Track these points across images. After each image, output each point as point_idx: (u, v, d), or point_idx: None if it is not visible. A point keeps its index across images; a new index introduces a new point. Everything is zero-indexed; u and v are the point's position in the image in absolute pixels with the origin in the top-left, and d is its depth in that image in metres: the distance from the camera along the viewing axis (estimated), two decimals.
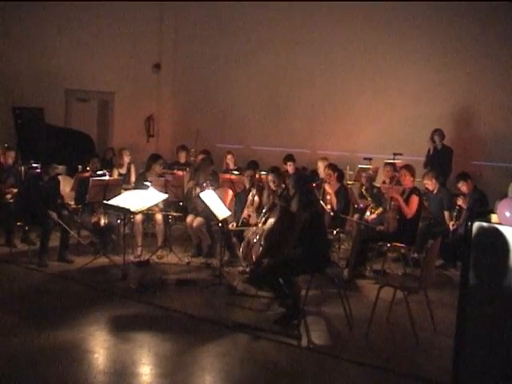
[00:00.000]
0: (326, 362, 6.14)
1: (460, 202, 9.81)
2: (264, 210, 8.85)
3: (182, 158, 12.94)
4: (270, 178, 8.24)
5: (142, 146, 15.91)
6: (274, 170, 9.03)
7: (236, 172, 11.59)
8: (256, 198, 9.53)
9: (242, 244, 8.82)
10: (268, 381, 5.68)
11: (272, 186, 8.82)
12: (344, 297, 7.21)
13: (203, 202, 8.84)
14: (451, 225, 9.86)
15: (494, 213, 4.08)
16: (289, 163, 11.77)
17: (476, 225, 4.08)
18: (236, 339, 6.60)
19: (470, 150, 12.88)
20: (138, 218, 9.96)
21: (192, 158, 13.11)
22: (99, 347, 6.27)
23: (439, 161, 11.94)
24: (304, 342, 6.59)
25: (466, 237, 4.14)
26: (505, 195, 4.28)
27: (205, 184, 9.75)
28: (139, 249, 10.01)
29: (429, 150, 12.13)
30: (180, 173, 11.14)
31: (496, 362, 3.96)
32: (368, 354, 6.33)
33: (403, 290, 6.82)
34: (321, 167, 11.46)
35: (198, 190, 9.86)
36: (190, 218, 10.00)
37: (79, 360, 5.90)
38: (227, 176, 10.87)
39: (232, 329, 6.86)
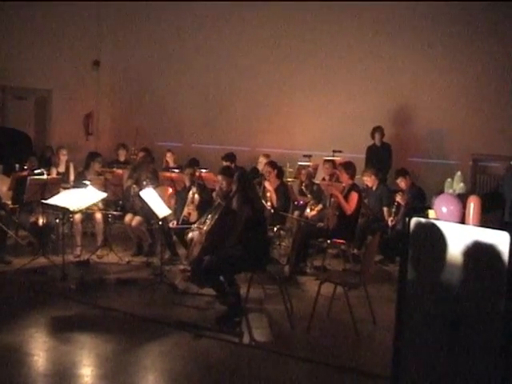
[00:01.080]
0: (268, 358, 6.15)
1: (398, 198, 9.95)
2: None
3: (122, 156, 12.84)
4: (220, 178, 8.08)
5: (81, 144, 15.64)
6: (224, 170, 8.65)
7: (176, 170, 11.54)
8: (196, 196, 9.52)
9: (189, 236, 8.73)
10: (211, 379, 5.68)
11: (223, 186, 8.48)
12: (285, 293, 7.25)
13: (143, 200, 8.79)
14: (390, 221, 9.99)
15: (431, 208, 4.15)
16: (226, 162, 11.74)
17: (414, 220, 4.14)
18: (178, 338, 6.58)
19: (408, 147, 13.08)
20: (77, 217, 9.86)
21: (132, 156, 13.00)
22: (39, 349, 6.16)
23: (379, 158, 12.11)
24: (246, 340, 6.61)
25: (404, 232, 4.21)
26: (441, 191, 4.34)
27: (145, 182, 9.69)
28: (79, 248, 9.90)
29: (368, 147, 12.32)
30: (119, 171, 11.03)
31: (434, 355, 4.03)
32: (309, 350, 6.38)
33: (343, 286, 6.89)
34: (262, 164, 11.50)
35: (136, 188, 9.79)
36: (128, 217, 9.93)
37: (19, 363, 5.79)
38: (167, 174, 10.82)
39: (174, 328, 6.83)
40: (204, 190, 9.75)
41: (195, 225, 8.59)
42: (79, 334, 6.63)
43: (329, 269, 9.42)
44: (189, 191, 9.68)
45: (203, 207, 9.18)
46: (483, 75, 12.38)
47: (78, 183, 9.74)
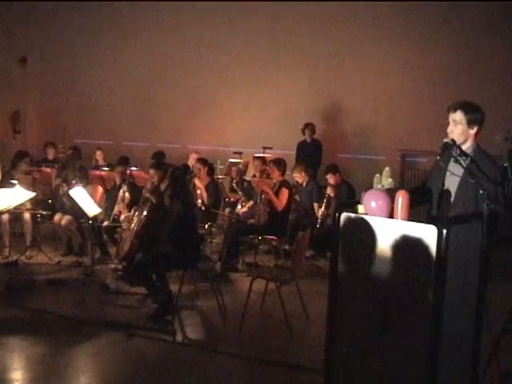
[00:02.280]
0: (201, 355, 6.16)
1: (329, 190, 10.07)
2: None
3: (50, 154, 12.61)
4: (151, 173, 7.98)
5: (8, 142, 15.30)
6: (156, 165, 8.56)
7: (106, 168, 11.42)
8: (127, 195, 9.44)
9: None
10: (144, 378, 5.64)
11: (154, 181, 8.36)
12: (217, 290, 7.27)
13: (72, 199, 8.66)
14: (320, 215, 10.09)
15: (360, 204, 4.20)
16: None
17: (343, 216, 4.19)
18: (110, 338, 6.52)
19: (338, 143, 13.25)
20: (5, 217, 9.65)
21: (60, 155, 12.78)
22: None
23: (309, 154, 12.23)
24: (179, 338, 6.60)
25: (334, 228, 4.25)
26: (370, 186, 4.41)
27: (74, 181, 9.55)
28: (7, 249, 9.71)
29: (299, 144, 12.43)
30: (48, 170, 10.85)
31: (366, 348, 4.09)
32: (243, 346, 6.41)
33: (275, 282, 6.93)
34: (193, 161, 11.51)
35: (65, 187, 9.65)
36: (57, 217, 9.77)
37: None
38: (97, 172, 10.69)
39: (106, 328, 6.76)
40: (134, 188, 9.67)
41: (125, 223, 8.52)
42: (8, 337, 6.49)
43: (260, 265, 9.45)
44: (119, 189, 9.60)
45: (134, 205, 9.11)
46: (410, 73, 12.64)
47: (6, 183, 9.53)
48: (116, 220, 9.35)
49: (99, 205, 9.15)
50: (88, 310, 7.36)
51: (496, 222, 4.40)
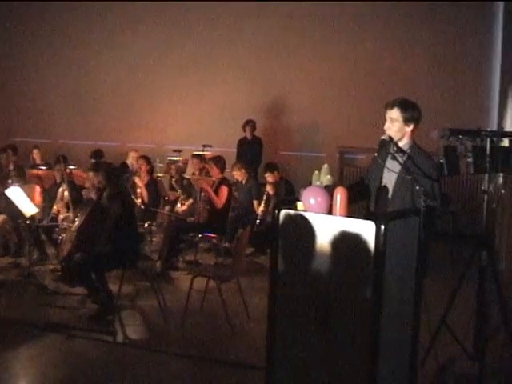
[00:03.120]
0: (143, 356, 6.12)
1: (268, 187, 10.12)
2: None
3: None
4: (91, 175, 7.86)
5: None
6: (95, 166, 8.42)
7: (43, 167, 11.24)
8: (66, 194, 9.32)
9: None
10: (85, 380, 5.58)
11: (94, 182, 8.26)
12: (157, 289, 7.24)
13: (8, 199, 8.52)
14: (260, 212, 10.13)
15: (299, 201, 4.23)
16: (94, 160, 11.53)
17: (283, 213, 4.20)
18: (49, 340, 6.42)
19: (279, 140, 13.31)
20: None
21: None
22: None
23: (250, 151, 12.26)
24: (120, 338, 6.55)
25: (273, 225, 4.27)
26: (309, 183, 4.44)
27: (10, 180, 9.39)
28: None
29: (239, 140, 12.45)
30: None
31: (307, 344, 4.12)
32: (184, 345, 6.39)
33: (216, 279, 6.93)
34: (132, 159, 11.45)
35: (0, 187, 9.48)
36: None
37: None
38: (34, 171, 10.53)
39: (45, 330, 6.65)
40: (74, 187, 9.55)
41: (65, 223, 8.42)
42: None
43: (201, 263, 9.44)
44: (59, 188, 9.47)
45: (73, 205, 9.00)
46: (349, 70, 12.78)
47: None
48: (54, 219, 9.22)
49: (37, 204, 9.01)
50: (26, 312, 7.24)
51: (432, 218, 4.48)
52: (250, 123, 12.48)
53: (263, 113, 13.33)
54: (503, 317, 5.53)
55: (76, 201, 9.06)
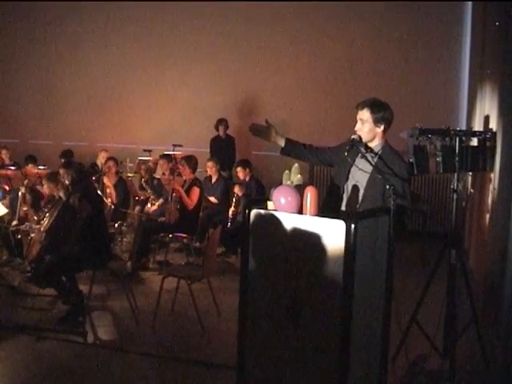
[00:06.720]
0: (114, 356, 6.09)
1: (236, 189, 10.12)
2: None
3: None
4: (62, 172, 7.75)
5: None
6: (66, 164, 8.32)
7: (12, 167, 11.13)
8: (27, 195, 9.22)
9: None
10: (55, 381, 5.54)
11: (64, 181, 8.15)
12: (128, 290, 7.21)
13: None
14: (231, 212, 10.13)
15: (270, 200, 4.23)
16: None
17: (253, 212, 4.21)
18: (19, 342, 6.35)
19: (252, 140, 13.28)
20: None
21: None
22: None
23: (223, 149, 12.29)
24: (90, 339, 6.50)
25: (244, 224, 4.27)
26: (280, 183, 4.45)
27: None
28: None
29: (212, 139, 12.48)
30: None
31: (277, 344, 4.13)
32: (156, 345, 6.37)
33: (186, 279, 6.91)
34: (102, 159, 11.41)
35: None
36: None
37: None
38: (3, 172, 10.43)
39: (14, 331, 6.58)
40: (33, 189, 9.44)
41: (33, 225, 8.34)
42: None
43: (171, 263, 9.42)
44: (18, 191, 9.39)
45: (35, 206, 8.93)
46: (321, 70, 12.83)
47: None
48: (23, 220, 9.14)
49: (6, 205, 8.93)
50: None
51: (402, 216, 4.52)
52: (222, 122, 12.52)
53: (235, 113, 13.33)
54: (473, 314, 5.60)
55: (36, 202, 9.01)
